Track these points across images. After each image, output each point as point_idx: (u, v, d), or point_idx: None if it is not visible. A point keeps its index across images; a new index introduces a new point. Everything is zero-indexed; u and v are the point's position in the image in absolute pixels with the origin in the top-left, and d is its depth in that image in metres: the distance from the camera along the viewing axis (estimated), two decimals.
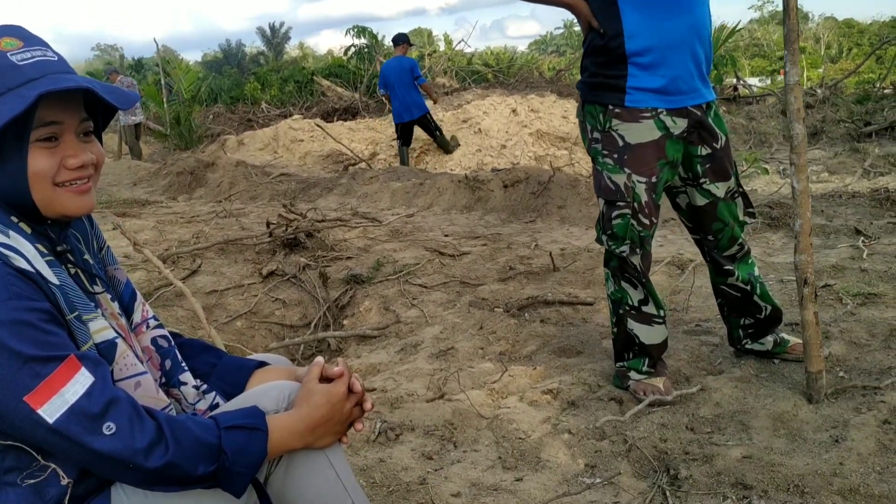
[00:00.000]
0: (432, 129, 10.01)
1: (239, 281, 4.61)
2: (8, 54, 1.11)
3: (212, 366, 1.47)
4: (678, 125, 2.47)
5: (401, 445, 2.43)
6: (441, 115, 11.60)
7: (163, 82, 17.04)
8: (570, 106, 11.37)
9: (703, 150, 2.53)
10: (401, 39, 10.03)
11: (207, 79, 24.77)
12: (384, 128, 12.23)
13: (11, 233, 1.12)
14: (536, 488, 2.13)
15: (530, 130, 10.37)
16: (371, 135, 12.01)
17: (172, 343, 1.42)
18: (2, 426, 1.05)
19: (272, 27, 54.84)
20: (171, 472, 1.10)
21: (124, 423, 1.07)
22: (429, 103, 10.12)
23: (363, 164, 10.08)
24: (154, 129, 15.90)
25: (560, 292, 3.91)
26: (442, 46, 24.19)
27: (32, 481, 1.10)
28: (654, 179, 2.50)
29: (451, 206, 6.88)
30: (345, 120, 14.14)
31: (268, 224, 5.44)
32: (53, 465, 1.02)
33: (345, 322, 4.18)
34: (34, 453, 1.02)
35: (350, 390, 1.32)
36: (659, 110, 2.46)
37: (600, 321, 3.49)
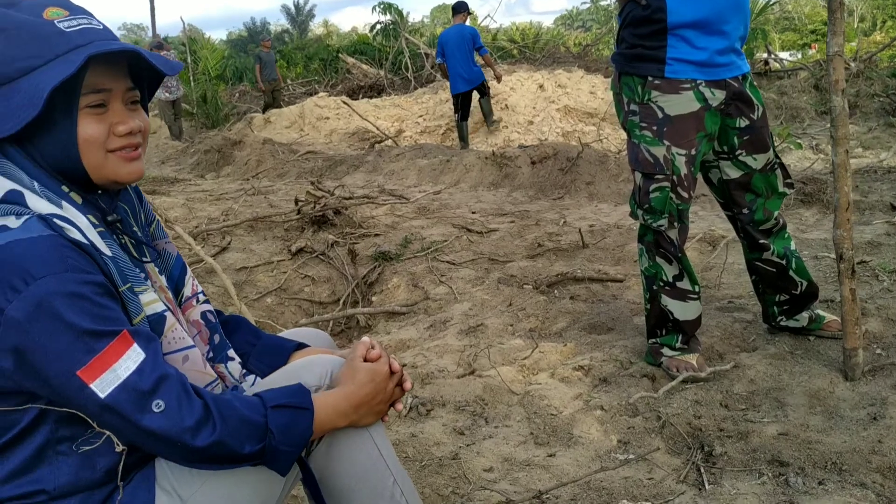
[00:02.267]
0: (487, 92, 9.75)
1: (268, 258, 4.63)
2: (55, 22, 1.11)
3: (251, 345, 1.47)
4: (717, 97, 2.43)
5: (432, 420, 2.44)
6: None
7: (189, 61, 17.09)
8: (598, 81, 11.25)
9: (742, 122, 2.49)
10: (461, 7, 9.67)
11: (233, 58, 24.82)
12: (410, 105, 12.19)
13: (64, 203, 1.12)
14: (569, 464, 2.12)
15: (557, 106, 10.29)
16: (397, 112, 11.98)
17: (217, 319, 1.42)
18: (56, 398, 1.06)
19: (296, 5, 54.71)
20: (218, 451, 1.10)
21: (173, 401, 1.07)
22: (489, 74, 9.84)
23: (389, 142, 10.06)
24: (182, 107, 15.98)
25: (590, 269, 3.89)
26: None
27: (88, 448, 1.11)
28: (693, 152, 2.46)
29: (478, 183, 6.85)
30: (370, 97, 14.11)
31: (296, 201, 5.45)
32: (108, 433, 1.02)
33: (373, 298, 4.19)
34: (90, 420, 1.03)
35: (390, 370, 1.32)
36: (698, 81, 2.42)
37: (631, 298, 3.46)
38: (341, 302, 4.21)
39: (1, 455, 1.12)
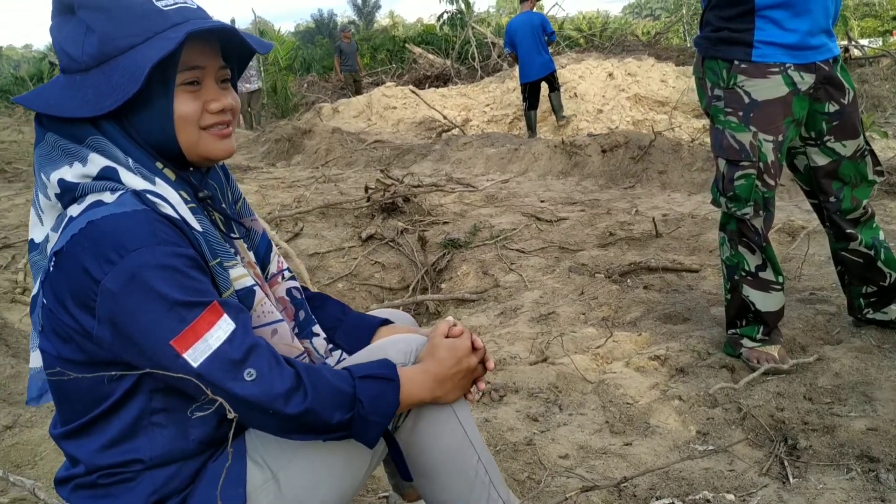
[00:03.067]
0: (555, 84, 9.49)
1: (339, 244, 4.69)
2: (154, 1, 1.13)
3: (338, 321, 1.49)
4: (805, 81, 2.35)
5: (505, 406, 2.43)
6: None
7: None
8: (669, 70, 11.02)
9: (831, 107, 2.40)
10: None
11: (301, 49, 25.16)
12: (476, 94, 12.17)
13: (157, 180, 1.15)
14: (647, 453, 2.08)
15: (628, 95, 10.12)
16: (463, 101, 11.97)
17: (303, 295, 1.44)
18: (152, 368, 1.08)
19: None
20: (308, 419, 1.11)
21: (264, 368, 1.09)
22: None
23: (456, 131, 10.06)
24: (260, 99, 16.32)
25: (664, 258, 3.81)
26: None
27: (201, 414, 1.14)
28: (780, 138, 2.38)
29: (547, 172, 6.79)
30: (437, 87, 14.14)
31: (366, 189, 5.50)
32: (221, 399, 1.04)
33: (442, 286, 4.19)
34: (204, 388, 1.05)
35: (473, 347, 1.31)
36: (787, 65, 2.34)
37: (707, 288, 3.38)
38: (411, 288, 4.24)
39: (98, 424, 1.15)
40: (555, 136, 9.54)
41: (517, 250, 4.32)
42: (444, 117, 10.70)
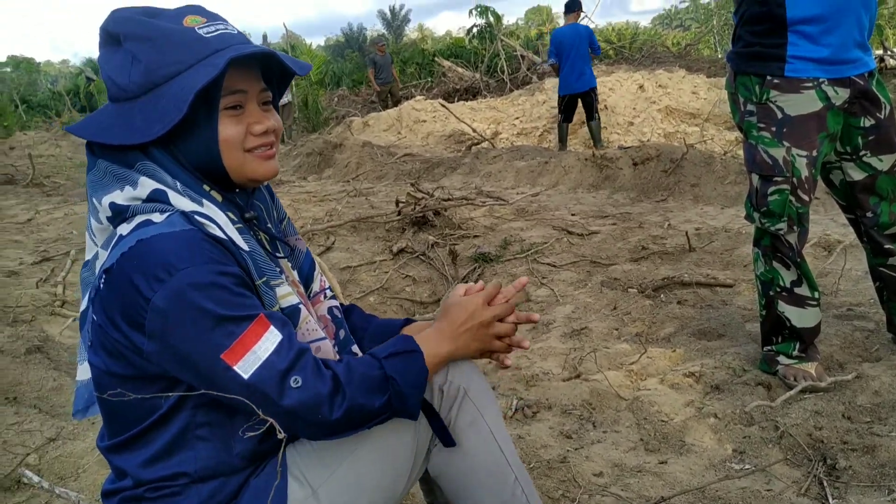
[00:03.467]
0: (594, 107, 9.15)
1: (371, 257, 4.72)
2: (195, 29, 1.17)
3: (363, 329, 1.52)
4: (840, 95, 2.33)
5: (538, 423, 2.43)
6: None
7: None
8: (701, 81, 10.95)
9: (867, 122, 2.38)
10: (574, 6, 9.23)
11: (331, 63, 25.40)
12: (506, 107, 12.18)
13: (205, 201, 1.18)
14: (682, 472, 2.07)
15: (659, 107, 10.06)
16: (493, 114, 11.99)
17: (343, 315, 1.46)
18: (202, 382, 1.11)
19: (392, 10, 55.54)
20: (354, 415, 1.14)
21: (309, 376, 1.12)
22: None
23: (486, 144, 10.07)
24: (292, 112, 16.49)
25: (697, 273, 3.79)
26: (562, 23, 23.77)
27: (252, 434, 1.17)
28: (814, 153, 2.36)
29: (578, 185, 6.78)
30: (466, 100, 14.17)
31: (397, 202, 5.53)
32: (272, 420, 1.07)
33: None
34: (255, 407, 1.08)
35: (494, 303, 1.34)
36: (821, 80, 2.32)
37: (742, 304, 3.35)
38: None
39: (144, 437, 1.18)
40: (586, 149, 9.52)
41: (548, 264, 4.32)
42: (474, 130, 10.72)
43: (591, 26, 18.70)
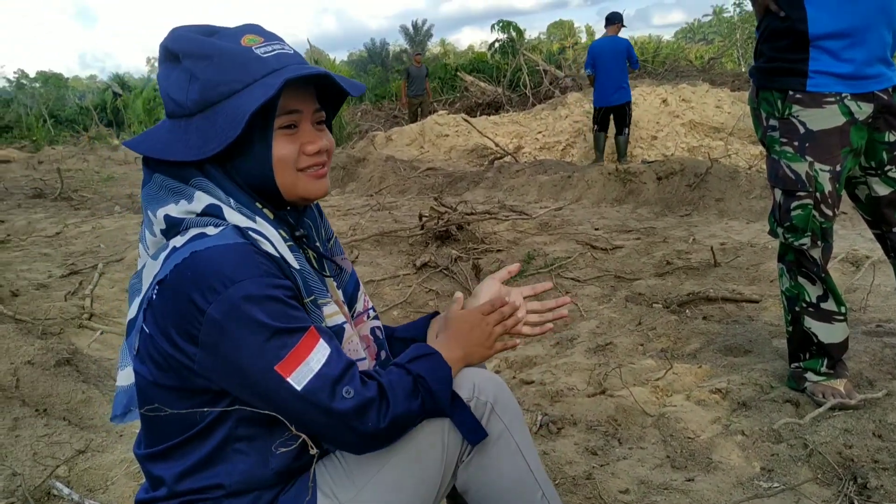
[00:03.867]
0: (626, 122, 9.16)
1: (394, 272, 4.74)
2: (253, 48, 1.19)
3: (389, 334, 1.54)
4: (863, 110, 2.31)
5: (563, 439, 2.42)
6: (588, 106, 11.41)
7: None
8: (725, 95, 10.90)
9: (891, 136, 2.36)
10: (615, 18, 9.17)
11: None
12: (528, 121, 12.19)
13: (258, 219, 1.20)
14: (709, 490, 2.05)
15: (682, 121, 10.03)
16: (515, 128, 12.01)
17: (385, 336, 1.48)
18: (250, 397, 1.13)
19: (415, 25, 55.90)
20: (398, 422, 1.16)
21: (358, 386, 1.13)
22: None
23: (508, 158, 10.08)
24: None
25: (723, 288, 3.76)
26: (584, 38, 23.78)
27: (285, 449, 1.18)
28: (837, 168, 2.35)
29: (601, 199, 6.77)
30: (488, 114, 14.20)
31: (420, 216, 5.55)
32: (304, 436, 1.08)
33: None
34: (288, 424, 1.09)
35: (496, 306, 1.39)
36: (843, 95, 2.31)
37: (768, 319, 3.32)
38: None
39: (183, 448, 1.19)
40: (609, 159, 9.50)
41: (572, 279, 4.31)
42: (497, 145, 10.74)
43: None
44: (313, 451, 1.08)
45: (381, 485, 1.21)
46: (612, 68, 8.86)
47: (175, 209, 1.17)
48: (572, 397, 2.72)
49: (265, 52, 1.19)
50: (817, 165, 2.33)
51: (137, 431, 1.31)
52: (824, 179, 2.34)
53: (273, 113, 1.18)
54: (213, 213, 1.17)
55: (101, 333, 3.69)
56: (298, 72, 1.16)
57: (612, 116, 9.16)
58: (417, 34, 54.68)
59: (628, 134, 9.21)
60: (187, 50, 1.18)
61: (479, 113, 14.78)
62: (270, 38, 1.22)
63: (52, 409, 2.66)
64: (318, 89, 1.27)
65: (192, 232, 1.15)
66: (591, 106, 10.77)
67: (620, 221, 5.85)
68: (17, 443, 2.38)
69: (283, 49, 1.21)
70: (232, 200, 1.19)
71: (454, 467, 1.28)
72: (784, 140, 2.38)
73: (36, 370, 2.80)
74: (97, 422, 2.64)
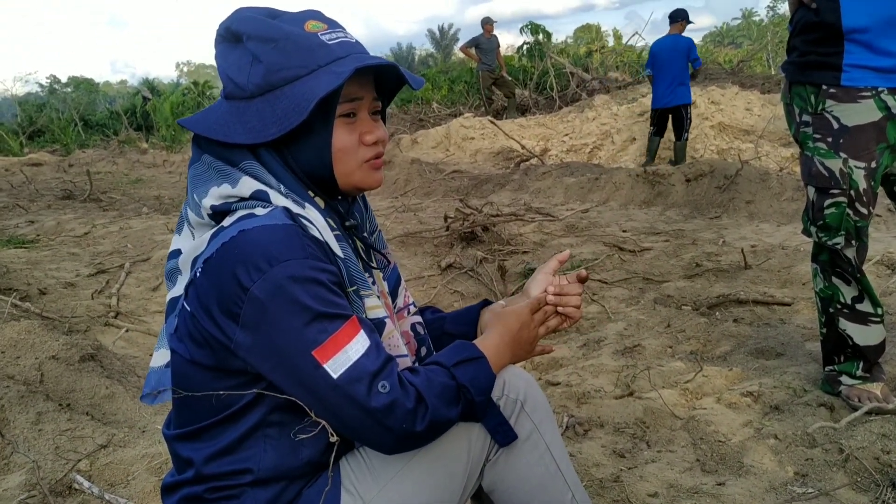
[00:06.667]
0: (684, 126, 8.70)
1: (419, 273, 4.71)
2: (318, 34, 1.16)
3: (442, 319, 1.51)
4: None
5: (590, 441, 2.37)
6: (615, 108, 11.30)
7: None
8: (754, 98, 10.75)
9: None
10: (679, 16, 8.68)
11: None
12: (555, 124, 12.12)
13: (307, 205, 1.18)
14: (741, 494, 1.99)
15: (711, 123, 9.90)
16: (542, 131, 11.94)
17: (426, 332, 1.44)
18: (284, 380, 1.10)
19: (441, 29, 56.06)
20: (435, 426, 1.13)
21: (395, 383, 1.10)
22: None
23: (535, 160, 10.02)
24: None
25: (754, 291, 3.68)
26: (611, 42, 23.62)
27: (304, 436, 1.15)
28: (873, 165, 2.27)
29: (629, 202, 6.69)
30: (515, 117, 14.14)
31: (445, 218, 5.52)
32: (323, 422, 1.05)
33: None
34: (307, 409, 1.06)
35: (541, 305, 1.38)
36: (879, 89, 2.23)
37: (801, 322, 3.24)
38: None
39: (214, 430, 1.17)
40: (636, 162, 9.40)
41: (599, 281, 4.25)
42: (523, 147, 10.68)
43: (641, 44, 18.61)
44: (333, 439, 1.04)
45: (405, 483, 1.18)
46: (671, 68, 8.47)
47: (217, 192, 1.16)
48: (599, 399, 2.67)
49: (330, 39, 1.16)
50: (852, 162, 2.26)
51: (160, 427, 1.29)
52: (859, 177, 2.27)
53: (335, 100, 1.16)
54: (260, 197, 1.15)
55: (126, 331, 3.70)
56: (367, 61, 1.13)
57: (669, 119, 8.84)
58: (444, 38, 54.82)
59: (687, 139, 8.83)
60: (252, 31, 1.15)
61: (505, 116, 14.72)
62: (333, 25, 1.20)
63: (75, 403, 2.66)
64: (378, 80, 1.24)
65: (241, 213, 1.14)
66: (618, 108, 10.68)
67: (648, 223, 5.78)
68: (40, 436, 2.38)
69: (346, 37, 1.19)
70: (282, 186, 1.17)
71: (481, 466, 1.24)
72: (817, 136, 2.32)
73: (60, 365, 2.81)
74: (120, 417, 2.63)
